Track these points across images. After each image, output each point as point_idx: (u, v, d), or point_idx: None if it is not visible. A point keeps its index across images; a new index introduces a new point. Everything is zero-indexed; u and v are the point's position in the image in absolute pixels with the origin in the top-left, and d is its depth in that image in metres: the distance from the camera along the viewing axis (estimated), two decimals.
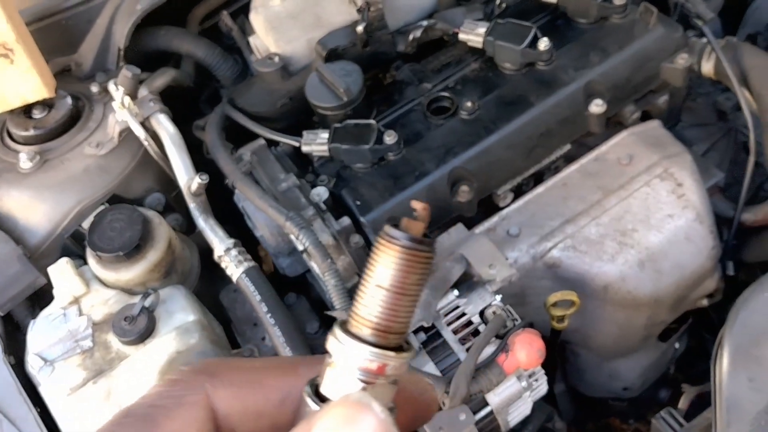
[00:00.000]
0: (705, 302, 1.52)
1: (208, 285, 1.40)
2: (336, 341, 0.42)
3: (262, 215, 1.33)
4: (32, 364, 1.18)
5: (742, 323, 1.07)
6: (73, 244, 1.31)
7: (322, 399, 0.43)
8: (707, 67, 1.43)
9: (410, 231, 0.43)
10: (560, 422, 1.51)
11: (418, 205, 0.44)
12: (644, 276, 1.31)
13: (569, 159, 1.42)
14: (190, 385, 0.43)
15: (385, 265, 0.42)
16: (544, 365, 1.20)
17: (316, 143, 1.30)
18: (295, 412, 0.43)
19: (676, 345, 1.61)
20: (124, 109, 1.32)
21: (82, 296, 1.22)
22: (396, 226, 0.44)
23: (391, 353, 0.42)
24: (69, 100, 1.39)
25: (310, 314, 1.43)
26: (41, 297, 1.28)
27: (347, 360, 0.42)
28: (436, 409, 0.53)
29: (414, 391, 0.48)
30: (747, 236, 1.53)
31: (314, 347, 1.39)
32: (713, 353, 1.08)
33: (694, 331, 1.70)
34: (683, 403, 1.33)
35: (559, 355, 1.57)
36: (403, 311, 0.43)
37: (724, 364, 1.05)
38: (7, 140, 1.38)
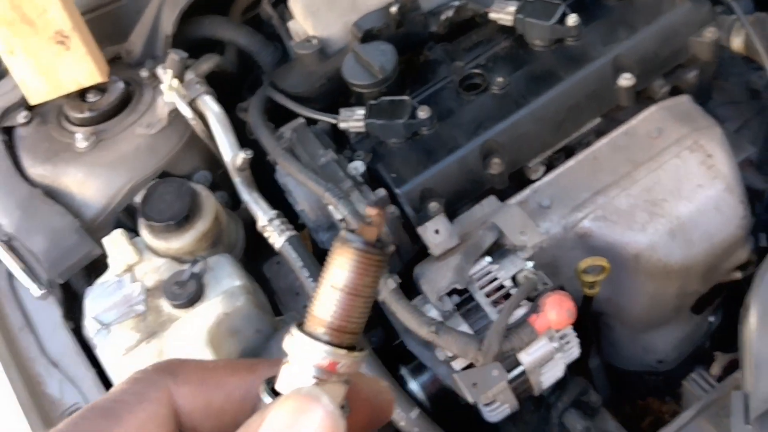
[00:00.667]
0: (738, 275, 1.53)
1: (253, 258, 1.46)
2: (291, 339, 0.45)
3: (303, 190, 1.39)
4: (89, 328, 1.26)
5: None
6: (126, 218, 1.39)
7: (277, 395, 0.45)
8: (737, 42, 1.45)
9: (365, 236, 0.45)
10: (595, 395, 1.54)
11: (371, 212, 0.48)
12: (674, 245, 1.34)
13: (599, 133, 1.46)
14: (153, 382, 0.45)
15: (340, 267, 0.45)
16: (579, 337, 1.24)
17: (353, 119, 1.36)
18: (254, 409, 0.45)
19: (711, 318, 1.63)
20: (172, 91, 1.40)
21: (135, 264, 1.30)
22: (352, 231, 0.47)
23: (343, 352, 0.45)
24: (121, 85, 1.48)
25: None
26: (97, 267, 1.36)
27: (301, 357, 0.44)
28: (392, 411, 0.55)
29: (370, 392, 0.50)
30: None
31: None
32: (740, 315, 1.11)
33: (729, 307, 1.72)
34: (715, 369, 1.35)
35: (593, 328, 1.60)
36: (357, 312, 0.46)
37: (751, 323, 1.08)
38: (64, 122, 1.48)
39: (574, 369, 1.52)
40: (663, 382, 1.70)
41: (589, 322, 1.49)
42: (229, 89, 1.63)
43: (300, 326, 0.46)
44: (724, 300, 1.62)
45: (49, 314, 1.30)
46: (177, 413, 0.44)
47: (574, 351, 1.26)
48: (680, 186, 1.35)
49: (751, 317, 1.07)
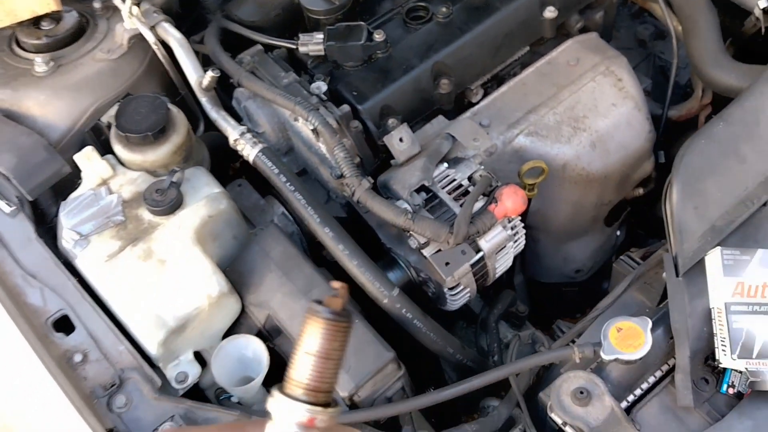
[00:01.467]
0: (641, 191, 1.77)
1: None
2: (274, 400, 0.51)
3: (264, 111, 1.48)
4: (66, 239, 1.28)
5: (687, 164, 1.31)
6: (93, 138, 1.41)
7: None
8: None
9: (331, 306, 0.53)
10: (523, 305, 1.72)
11: (337, 284, 0.55)
12: (595, 155, 1.55)
13: (524, 65, 1.64)
14: None
15: (312, 335, 0.52)
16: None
17: (312, 43, 1.47)
18: None
19: (618, 232, 1.86)
20: (133, 18, 1.44)
21: (109, 178, 1.33)
22: (320, 302, 0.55)
23: (320, 408, 0.52)
24: (75, 14, 1.50)
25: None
26: (64, 189, 1.37)
27: (283, 416, 0.52)
28: None
29: None
30: (674, 134, 1.80)
31: None
32: (663, 193, 1.32)
33: (630, 230, 1.97)
34: (636, 255, 1.56)
35: None
36: (329, 373, 0.53)
37: (674, 198, 1.29)
38: (18, 50, 1.47)
39: (501, 285, 1.71)
40: (578, 294, 1.92)
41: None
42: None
43: (281, 389, 0.53)
44: (627, 216, 1.86)
45: (20, 231, 1.30)
46: None
47: (521, 242, 1.43)
48: (597, 104, 1.56)
49: (674, 192, 1.28)
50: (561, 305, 1.97)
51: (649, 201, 1.83)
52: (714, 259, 1.20)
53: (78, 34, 1.49)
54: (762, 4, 1.54)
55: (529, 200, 1.52)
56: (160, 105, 1.34)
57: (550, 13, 1.56)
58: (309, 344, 0.51)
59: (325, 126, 1.33)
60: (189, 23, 1.76)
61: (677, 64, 1.76)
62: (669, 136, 1.79)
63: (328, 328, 0.51)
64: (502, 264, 1.41)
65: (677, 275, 1.22)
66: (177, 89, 1.52)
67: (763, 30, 1.58)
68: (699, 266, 1.22)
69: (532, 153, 1.53)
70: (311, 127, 1.35)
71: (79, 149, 1.37)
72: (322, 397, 0.52)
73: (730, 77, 1.52)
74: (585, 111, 1.55)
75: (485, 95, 1.60)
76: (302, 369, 0.51)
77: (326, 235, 1.27)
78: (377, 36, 1.46)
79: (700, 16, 1.60)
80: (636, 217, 1.90)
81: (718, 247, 1.21)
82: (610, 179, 1.59)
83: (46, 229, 1.36)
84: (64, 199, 1.34)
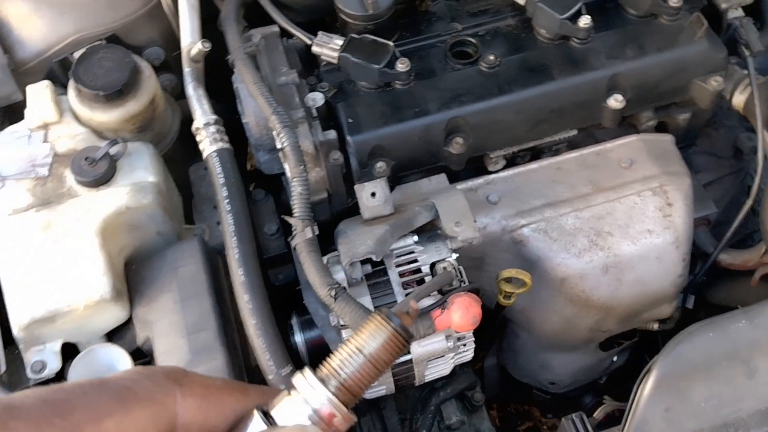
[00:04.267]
0: (656, 326, 1.51)
1: (182, 156, 1.37)
2: (303, 378, 0.49)
3: (253, 102, 1.29)
4: None
5: (678, 354, 1.06)
6: (60, 71, 1.28)
7: (268, 420, 0.49)
8: (738, 99, 1.38)
9: (403, 321, 0.52)
10: (480, 393, 1.51)
11: (413, 305, 0.58)
12: (604, 280, 1.30)
13: (572, 146, 1.39)
14: (162, 386, 0.47)
15: (373, 336, 0.51)
16: (480, 335, 1.19)
17: (328, 47, 1.26)
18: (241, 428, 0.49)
19: (615, 358, 1.61)
20: None
21: (52, 124, 1.20)
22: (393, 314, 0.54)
23: (344, 409, 0.50)
24: None
25: (272, 215, 1.42)
26: (13, 113, 1.25)
27: (307, 396, 0.49)
28: None
29: None
30: (719, 277, 1.52)
31: (267, 248, 1.38)
32: (641, 374, 1.07)
33: (636, 351, 1.70)
34: (599, 414, 1.34)
35: (498, 330, 1.57)
36: (367, 380, 0.51)
37: (647, 387, 1.05)
38: None
39: (469, 361, 1.50)
40: (549, 402, 1.70)
41: (496, 323, 1.46)
42: None
43: (314, 370, 0.51)
44: (634, 345, 1.60)
45: None
46: (175, 423, 0.46)
47: (467, 355, 1.22)
48: (630, 224, 1.30)
49: (649, 381, 1.04)
50: (530, 404, 1.76)
51: (666, 336, 1.57)
52: None
53: None
54: None
55: (501, 308, 1.31)
56: (127, 64, 1.18)
57: (616, 102, 1.29)
58: (365, 343, 0.51)
59: (294, 150, 1.14)
60: None
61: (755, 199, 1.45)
62: (713, 280, 1.50)
63: (391, 338, 0.51)
64: (435, 372, 1.21)
65: None
66: (178, 43, 1.35)
67: None
68: None
69: (532, 252, 1.30)
70: (279, 146, 1.16)
71: (45, 77, 1.24)
72: (349, 400, 0.51)
73: None
74: (612, 227, 1.30)
75: (511, 163, 1.37)
76: (347, 363, 0.50)
77: (237, 275, 1.10)
78: (400, 65, 1.24)
79: None
80: (644, 348, 1.64)
81: None
82: (613, 311, 1.35)
83: None
84: (11, 124, 1.22)
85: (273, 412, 0.49)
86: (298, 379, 0.50)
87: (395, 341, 0.51)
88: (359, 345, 0.51)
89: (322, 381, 0.50)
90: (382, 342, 0.51)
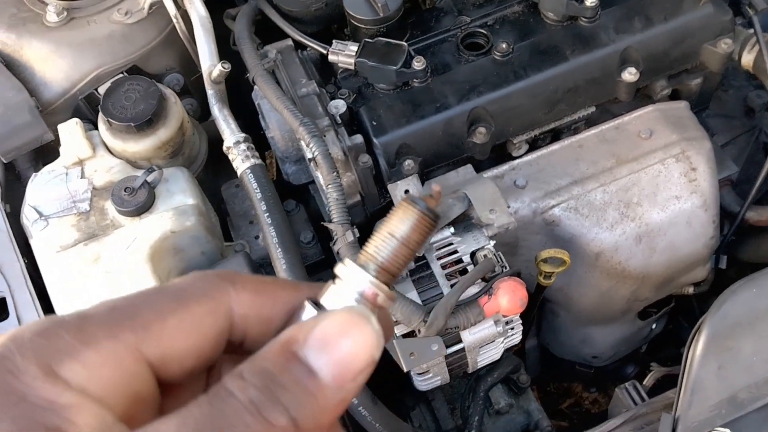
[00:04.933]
0: (691, 290, 1.53)
1: (212, 176, 1.40)
2: (344, 266, 0.52)
3: (277, 116, 1.32)
4: (27, 216, 1.20)
5: (725, 313, 1.08)
6: (86, 107, 1.31)
7: (320, 309, 0.52)
8: (747, 59, 1.41)
9: (427, 203, 0.55)
10: (525, 375, 1.54)
11: (436, 188, 0.59)
12: (638, 250, 1.32)
13: (590, 123, 1.41)
14: (215, 284, 0.49)
15: (402, 220, 0.54)
16: (521, 317, 1.22)
17: (344, 54, 1.29)
18: (295, 320, 0.51)
19: (653, 325, 1.63)
20: None
21: (86, 159, 1.22)
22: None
23: (385, 287, 0.53)
24: None
25: (305, 224, 1.44)
26: (46, 154, 1.28)
27: (350, 282, 0.52)
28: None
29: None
30: (747, 235, 1.54)
31: (305, 256, 1.40)
32: (690, 336, 1.10)
33: (673, 316, 1.73)
34: (649, 380, 1.35)
35: (537, 311, 1.59)
36: (402, 259, 0.54)
37: (698, 348, 1.07)
38: None
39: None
40: (592, 376, 1.72)
41: (536, 305, 1.48)
42: None
43: (354, 259, 0.54)
44: (670, 311, 1.62)
45: None
46: (231, 316, 0.49)
47: (516, 338, 1.25)
48: (657, 192, 1.32)
49: (700, 342, 1.06)
50: (572, 379, 1.79)
51: (702, 298, 1.59)
52: None
53: None
54: None
55: (541, 288, 1.33)
56: (153, 93, 1.20)
57: (630, 75, 1.31)
58: (395, 227, 0.54)
59: (325, 158, 1.17)
60: None
61: None
62: (741, 238, 1.53)
63: (419, 219, 0.53)
64: (487, 357, 1.24)
65: None
66: (196, 66, 1.37)
67: None
68: None
69: (565, 230, 1.32)
70: (309, 156, 1.19)
71: (72, 115, 1.27)
72: (388, 279, 0.54)
73: None
74: (641, 197, 1.32)
75: (534, 147, 1.39)
76: (381, 248, 0.53)
77: None
78: (416, 64, 1.26)
79: None
80: (681, 313, 1.66)
81: (726, 431, 1.00)
82: (648, 279, 1.37)
83: (18, 193, 1.27)
84: (45, 164, 1.25)
85: (322, 300, 0.52)
86: (339, 268, 0.53)
87: (424, 222, 0.54)
88: (390, 230, 0.54)
89: (362, 266, 0.53)
90: (411, 224, 0.54)
